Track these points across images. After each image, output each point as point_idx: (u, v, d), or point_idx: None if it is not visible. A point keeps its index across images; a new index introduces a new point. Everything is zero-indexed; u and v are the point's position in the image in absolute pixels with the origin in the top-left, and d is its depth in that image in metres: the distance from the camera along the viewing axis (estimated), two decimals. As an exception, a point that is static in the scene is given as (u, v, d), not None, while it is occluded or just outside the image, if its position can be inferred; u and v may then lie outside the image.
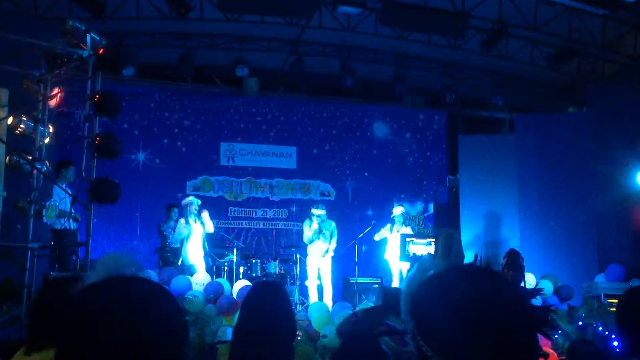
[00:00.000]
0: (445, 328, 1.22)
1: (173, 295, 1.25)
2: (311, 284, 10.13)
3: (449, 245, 1.52)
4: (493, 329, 1.19)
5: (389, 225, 10.52)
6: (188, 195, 10.62)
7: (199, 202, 10.06)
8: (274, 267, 10.32)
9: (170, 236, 9.94)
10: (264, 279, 9.53)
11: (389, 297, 4.64)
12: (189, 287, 8.31)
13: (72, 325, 1.14)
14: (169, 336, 1.17)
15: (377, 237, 10.60)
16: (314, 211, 10.07)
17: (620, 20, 10.83)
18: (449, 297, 1.25)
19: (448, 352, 1.21)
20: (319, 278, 10.07)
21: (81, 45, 7.37)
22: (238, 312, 3.00)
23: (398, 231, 10.24)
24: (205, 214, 9.90)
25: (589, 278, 9.53)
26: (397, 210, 10.54)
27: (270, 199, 12.59)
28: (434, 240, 1.38)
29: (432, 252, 1.44)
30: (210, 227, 9.90)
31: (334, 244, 10.07)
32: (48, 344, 2.38)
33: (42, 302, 2.67)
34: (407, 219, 11.02)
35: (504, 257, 6.08)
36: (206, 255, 9.99)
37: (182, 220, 9.76)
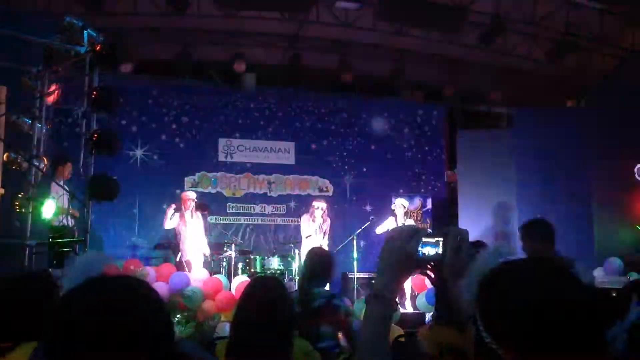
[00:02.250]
0: (512, 319, 1.21)
1: (157, 294, 1.25)
2: None
3: (457, 247, 1.51)
4: (561, 327, 1.18)
5: (390, 219, 10.51)
6: (186, 192, 10.63)
7: (195, 196, 10.08)
8: (273, 263, 10.32)
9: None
10: (262, 274, 9.53)
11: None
12: (188, 282, 8.31)
13: (56, 329, 1.14)
14: (153, 335, 1.17)
15: (379, 230, 10.55)
16: (317, 203, 10.13)
17: (618, 14, 10.82)
18: (520, 289, 1.24)
19: (509, 342, 1.21)
20: None
21: (79, 41, 7.37)
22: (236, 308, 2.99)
23: (399, 225, 10.25)
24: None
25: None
26: (398, 204, 10.54)
27: (269, 194, 12.58)
28: (442, 240, 1.37)
29: (440, 252, 1.44)
30: (203, 226, 9.99)
31: (326, 241, 10.13)
32: (10, 346, 2.28)
33: (5, 303, 2.56)
34: (407, 212, 10.97)
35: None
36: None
37: (176, 214, 9.77)
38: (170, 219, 9.64)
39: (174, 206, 9.74)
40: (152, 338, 1.16)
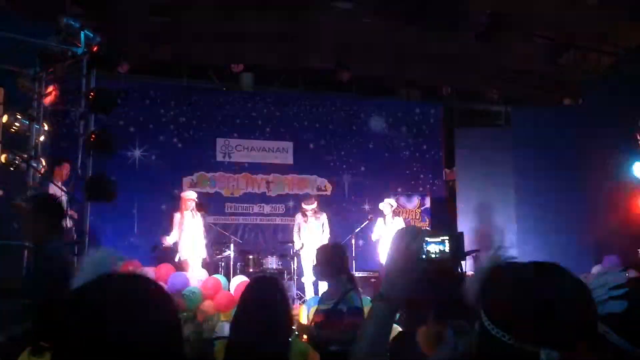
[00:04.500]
0: (520, 306, 1.34)
1: (166, 291, 1.25)
2: (307, 280, 10.16)
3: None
4: (571, 313, 1.32)
5: (379, 221, 10.53)
6: (186, 192, 10.64)
7: (196, 196, 10.09)
8: (271, 263, 10.33)
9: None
10: (261, 274, 9.54)
11: None
12: (187, 283, 8.31)
13: (66, 327, 1.14)
14: (163, 333, 1.17)
15: (374, 237, 10.56)
16: (305, 206, 10.18)
17: (615, 12, 10.82)
18: (527, 281, 1.38)
19: (518, 329, 1.31)
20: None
21: (75, 42, 7.37)
22: (235, 308, 3.00)
23: (387, 224, 10.27)
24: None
25: (586, 269, 9.54)
26: (385, 204, 10.53)
27: (267, 194, 12.58)
28: (447, 238, 1.40)
29: (447, 250, 1.49)
30: (202, 227, 10.02)
31: (326, 236, 10.12)
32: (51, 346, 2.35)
33: (46, 303, 2.62)
34: (396, 212, 10.96)
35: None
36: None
37: (177, 215, 9.79)
38: (176, 225, 9.74)
39: (178, 214, 9.80)
40: (162, 341, 1.15)
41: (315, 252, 9.90)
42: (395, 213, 10.77)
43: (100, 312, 1.12)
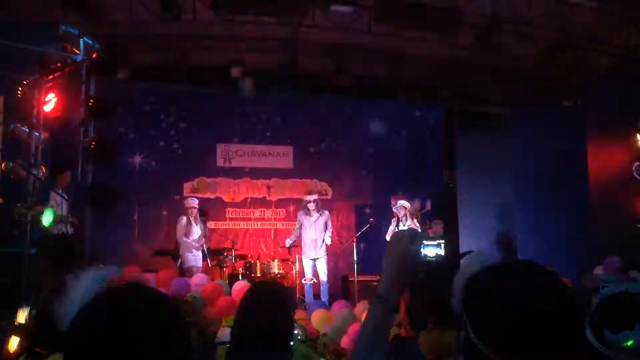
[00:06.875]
0: (496, 321, 1.27)
1: (171, 300, 1.25)
2: (307, 281, 10.15)
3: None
4: (543, 326, 1.24)
5: (393, 222, 10.49)
6: (185, 198, 10.67)
7: (197, 203, 10.12)
8: (273, 267, 10.32)
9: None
10: (262, 279, 9.54)
11: None
12: (188, 288, 8.31)
13: (73, 341, 1.14)
14: (171, 343, 1.16)
15: (389, 237, 10.48)
16: (306, 198, 10.21)
17: (612, 13, 10.83)
18: (502, 291, 1.30)
19: (496, 344, 1.26)
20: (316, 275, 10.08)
21: (74, 49, 7.38)
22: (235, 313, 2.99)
23: (406, 225, 10.24)
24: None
25: (587, 270, 9.54)
26: (399, 204, 10.50)
27: (268, 199, 12.57)
28: (443, 241, 1.38)
29: (442, 253, 1.47)
30: (204, 233, 10.03)
31: (329, 234, 10.10)
32: (48, 353, 2.36)
33: (43, 311, 2.64)
34: (409, 214, 10.94)
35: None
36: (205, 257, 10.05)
37: (182, 220, 9.83)
38: (181, 229, 9.80)
39: (184, 218, 9.83)
40: (170, 348, 1.15)
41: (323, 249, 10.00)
42: (408, 215, 10.70)
43: (103, 326, 1.12)
